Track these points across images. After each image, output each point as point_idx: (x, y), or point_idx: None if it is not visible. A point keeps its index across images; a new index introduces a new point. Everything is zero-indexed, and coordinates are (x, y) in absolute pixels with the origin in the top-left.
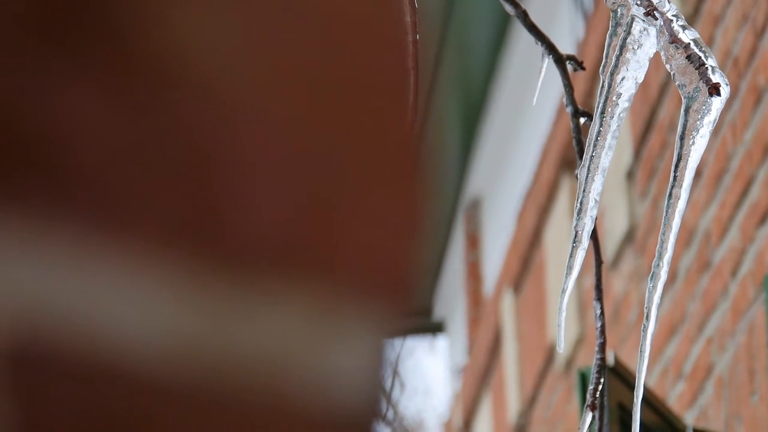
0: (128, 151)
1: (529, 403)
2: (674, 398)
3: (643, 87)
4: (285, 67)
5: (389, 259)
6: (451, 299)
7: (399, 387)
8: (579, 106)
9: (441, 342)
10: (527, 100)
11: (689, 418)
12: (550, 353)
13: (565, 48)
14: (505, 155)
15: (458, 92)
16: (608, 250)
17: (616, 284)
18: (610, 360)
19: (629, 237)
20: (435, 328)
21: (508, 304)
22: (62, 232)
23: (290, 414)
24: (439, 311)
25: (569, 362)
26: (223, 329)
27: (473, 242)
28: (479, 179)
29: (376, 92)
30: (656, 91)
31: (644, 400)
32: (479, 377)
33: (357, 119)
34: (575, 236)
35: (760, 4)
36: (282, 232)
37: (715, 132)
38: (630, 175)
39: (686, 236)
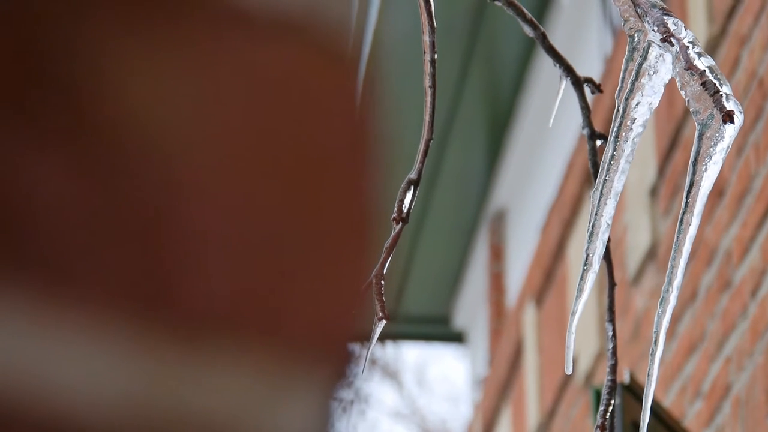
0: (83, 217)
1: (549, 416)
2: (692, 416)
3: (668, 105)
4: (236, 136)
5: (334, 325)
6: (473, 310)
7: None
8: (596, 129)
9: (462, 352)
10: (556, 113)
11: None
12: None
13: (593, 64)
14: (530, 168)
15: (485, 104)
16: (630, 266)
17: (637, 301)
18: (625, 378)
19: (651, 254)
20: (456, 337)
21: (530, 317)
22: (17, 296)
23: None
24: (462, 321)
25: (589, 376)
26: (174, 391)
27: (497, 254)
28: (505, 191)
29: (326, 161)
30: (681, 109)
31: (660, 419)
32: (500, 389)
33: (305, 187)
34: (586, 259)
35: None
36: (231, 297)
37: (738, 152)
38: (653, 192)
39: (707, 255)
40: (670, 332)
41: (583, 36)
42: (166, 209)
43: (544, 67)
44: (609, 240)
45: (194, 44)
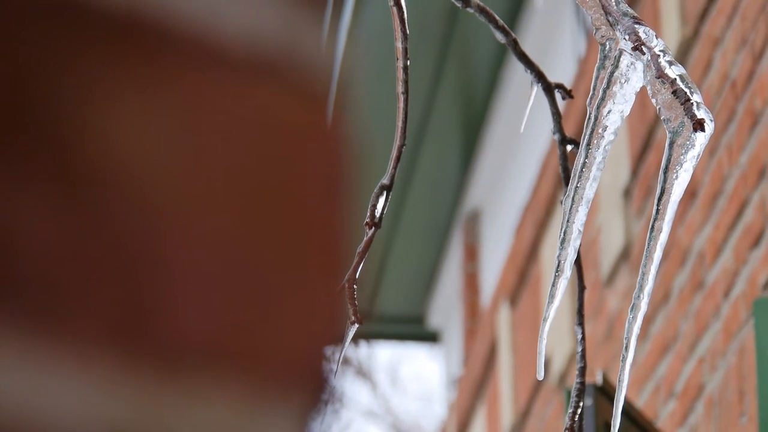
0: (66, 254)
1: (523, 416)
2: (665, 417)
3: (641, 107)
4: (213, 175)
5: (307, 356)
6: (448, 310)
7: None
8: (567, 134)
9: (437, 351)
10: (529, 116)
11: None
12: (545, 368)
13: (567, 65)
14: (505, 168)
15: (460, 105)
16: (603, 267)
17: (610, 301)
18: (597, 379)
19: (625, 254)
20: (431, 337)
21: (504, 317)
22: (4, 330)
23: None
24: (436, 321)
25: (563, 377)
26: (156, 421)
27: (471, 254)
28: (479, 192)
29: (302, 199)
30: (654, 112)
31: (632, 420)
32: (474, 388)
33: (282, 223)
34: (558, 266)
35: (759, 27)
36: (207, 330)
37: (711, 154)
38: (627, 193)
39: (680, 256)
40: (643, 333)
41: (556, 37)
42: (147, 247)
43: (517, 69)
44: (579, 245)
45: (174, 85)
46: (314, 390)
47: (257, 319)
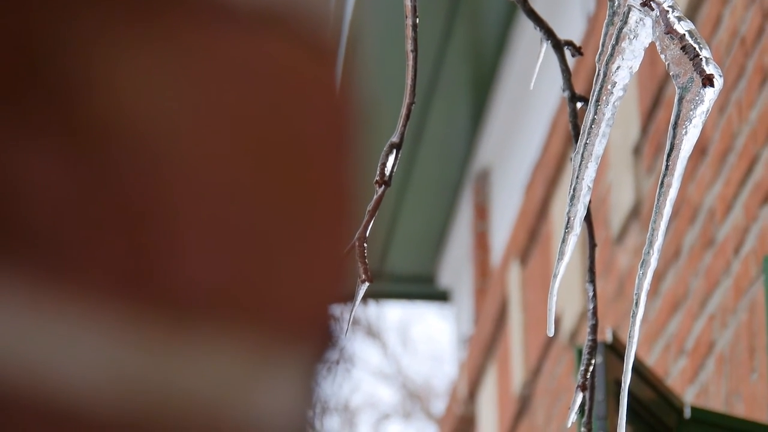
0: (73, 205)
1: (534, 374)
2: (676, 374)
3: (650, 64)
4: (220, 127)
5: (313, 308)
6: (458, 269)
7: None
8: (576, 91)
9: (447, 311)
10: (539, 73)
11: (690, 394)
12: (556, 325)
13: (576, 22)
14: (514, 127)
15: (469, 62)
16: (614, 225)
17: (621, 259)
18: (608, 337)
19: (635, 212)
20: (441, 296)
21: (514, 275)
22: (11, 281)
23: None
24: (446, 280)
25: (573, 335)
26: (162, 371)
27: (482, 212)
28: (489, 150)
29: (310, 154)
30: (664, 68)
31: (642, 377)
32: (485, 347)
33: (287, 174)
34: (567, 223)
35: None
36: (214, 282)
37: (721, 110)
38: (637, 150)
39: (691, 213)
40: (654, 290)
41: None
42: (154, 198)
43: (526, 27)
44: (590, 201)
45: (179, 38)
46: (322, 346)
47: (264, 272)
